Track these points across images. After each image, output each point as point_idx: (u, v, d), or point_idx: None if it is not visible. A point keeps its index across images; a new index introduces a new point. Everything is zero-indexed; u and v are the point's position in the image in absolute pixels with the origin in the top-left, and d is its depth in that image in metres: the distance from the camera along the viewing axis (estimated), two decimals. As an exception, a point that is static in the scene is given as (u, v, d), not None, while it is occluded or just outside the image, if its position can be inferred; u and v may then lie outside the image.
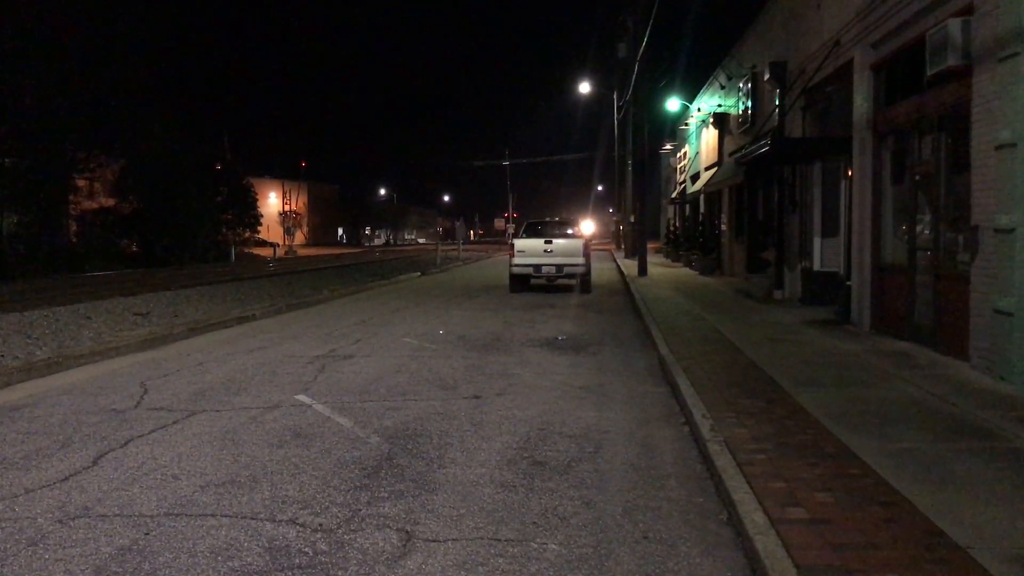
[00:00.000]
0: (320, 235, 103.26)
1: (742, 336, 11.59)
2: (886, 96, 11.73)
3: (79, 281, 28.23)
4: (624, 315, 16.23)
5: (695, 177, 33.88)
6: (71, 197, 40.11)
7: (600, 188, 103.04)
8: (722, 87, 26.11)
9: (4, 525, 4.76)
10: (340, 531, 4.64)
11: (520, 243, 21.18)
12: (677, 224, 41.78)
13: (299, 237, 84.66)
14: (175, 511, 4.97)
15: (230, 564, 4.19)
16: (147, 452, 6.28)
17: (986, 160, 8.25)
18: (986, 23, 8.25)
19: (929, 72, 9.27)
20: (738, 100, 23.17)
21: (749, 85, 21.27)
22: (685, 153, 38.92)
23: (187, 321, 14.27)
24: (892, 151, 11.65)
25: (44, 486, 5.47)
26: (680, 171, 41.60)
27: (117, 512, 4.96)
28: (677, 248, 36.12)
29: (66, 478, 5.64)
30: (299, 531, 4.64)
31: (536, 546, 4.42)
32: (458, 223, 52.76)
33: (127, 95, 38.03)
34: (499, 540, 4.50)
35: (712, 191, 28.03)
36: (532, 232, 22.37)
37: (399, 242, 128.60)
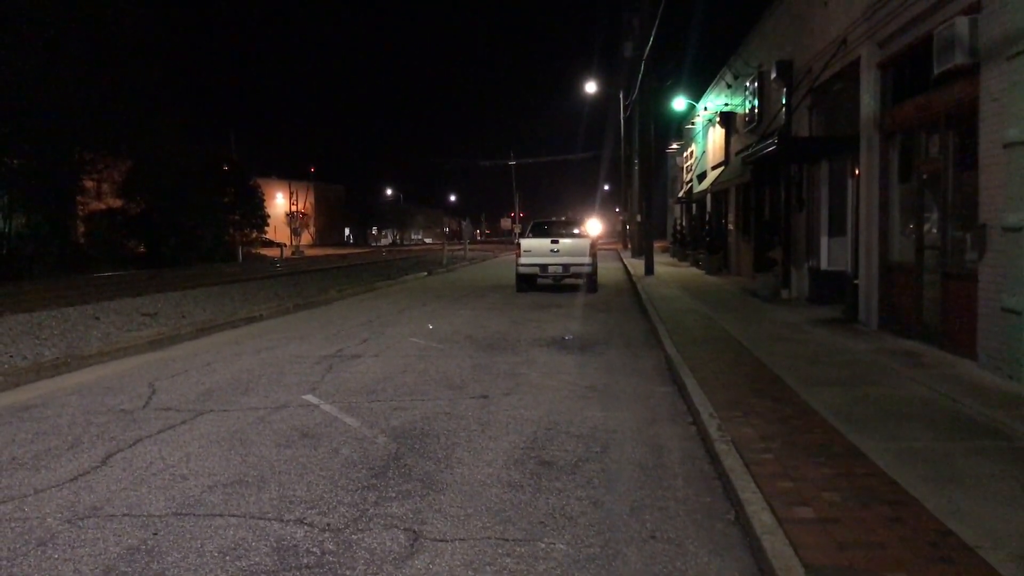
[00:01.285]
0: (327, 235, 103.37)
1: (749, 335, 11.57)
2: (893, 95, 11.70)
3: (87, 282, 28.34)
4: (631, 314, 16.22)
5: (702, 176, 33.83)
6: (79, 198, 40.28)
7: (606, 187, 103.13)
8: (728, 86, 26.07)
9: (14, 525, 4.78)
10: (348, 531, 4.65)
11: (527, 243, 21.20)
12: (684, 223, 41.78)
13: (306, 237, 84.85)
14: (183, 511, 4.99)
15: (238, 564, 4.21)
16: (155, 452, 6.30)
17: (994, 158, 8.23)
18: (994, 21, 8.22)
19: (936, 70, 9.25)
20: (744, 99, 23.13)
21: (756, 84, 21.24)
22: (692, 152, 38.86)
23: (194, 322, 14.31)
24: (899, 150, 11.61)
25: (53, 486, 5.50)
26: (687, 170, 41.56)
27: (126, 512, 4.98)
28: (684, 247, 36.10)
29: (75, 478, 5.67)
30: (307, 531, 4.65)
31: (544, 546, 4.42)
32: (464, 223, 52.76)
33: (134, 96, 38.15)
34: (506, 540, 4.51)
35: (719, 190, 28.01)
36: (538, 232, 22.40)
37: (406, 242, 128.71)
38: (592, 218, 53.83)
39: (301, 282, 25.97)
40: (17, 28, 31.73)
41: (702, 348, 10.55)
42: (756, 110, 21.29)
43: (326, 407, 7.82)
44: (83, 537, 4.59)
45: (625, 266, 32.55)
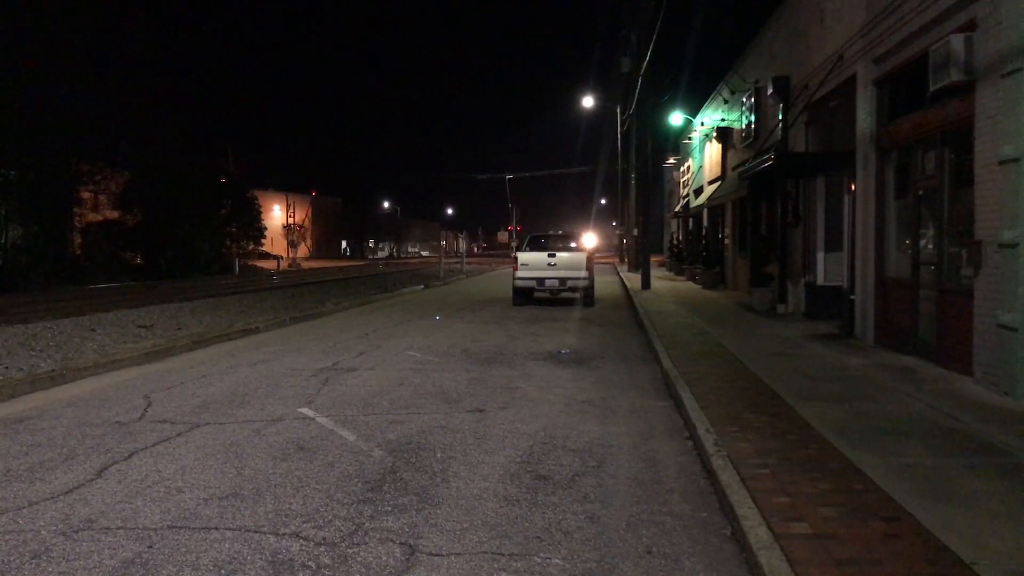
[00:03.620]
0: (323, 248, 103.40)
1: (745, 350, 11.58)
2: (889, 111, 11.76)
3: (83, 293, 28.29)
4: (627, 328, 16.22)
5: (698, 191, 33.93)
6: (76, 209, 40.25)
7: (603, 201, 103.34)
8: (725, 101, 26.19)
9: (8, 538, 4.76)
10: (343, 545, 4.64)
11: (523, 256, 21.22)
12: (680, 238, 41.84)
13: (302, 250, 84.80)
14: (178, 524, 4.97)
15: (233, 577, 4.19)
16: (151, 465, 6.29)
17: (989, 175, 8.27)
18: (989, 39, 8.29)
19: (932, 87, 9.31)
20: (741, 114, 23.23)
21: (752, 100, 21.34)
22: (688, 167, 38.99)
23: (191, 334, 14.29)
24: (895, 166, 11.67)
25: (48, 498, 5.47)
26: (683, 185, 41.68)
27: (120, 525, 4.96)
28: (680, 262, 36.15)
29: (70, 490, 5.65)
30: (302, 545, 4.63)
31: (540, 561, 4.41)
32: (461, 236, 52.94)
33: (132, 107, 38.23)
34: (502, 555, 4.49)
35: (715, 205, 28.07)
36: (535, 246, 22.42)
37: (402, 255, 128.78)
38: (588, 232, 53.95)
39: (297, 294, 25.95)
40: (16, 39, 31.80)
41: (699, 363, 10.55)
42: (753, 125, 21.38)
43: (322, 420, 7.81)
44: (78, 550, 4.57)
45: (622, 280, 32.57)
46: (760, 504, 4.90)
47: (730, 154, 25.91)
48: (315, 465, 6.26)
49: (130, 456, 6.54)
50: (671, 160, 45.72)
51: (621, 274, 37.55)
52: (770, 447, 6.25)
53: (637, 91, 30.03)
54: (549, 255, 20.86)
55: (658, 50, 25.97)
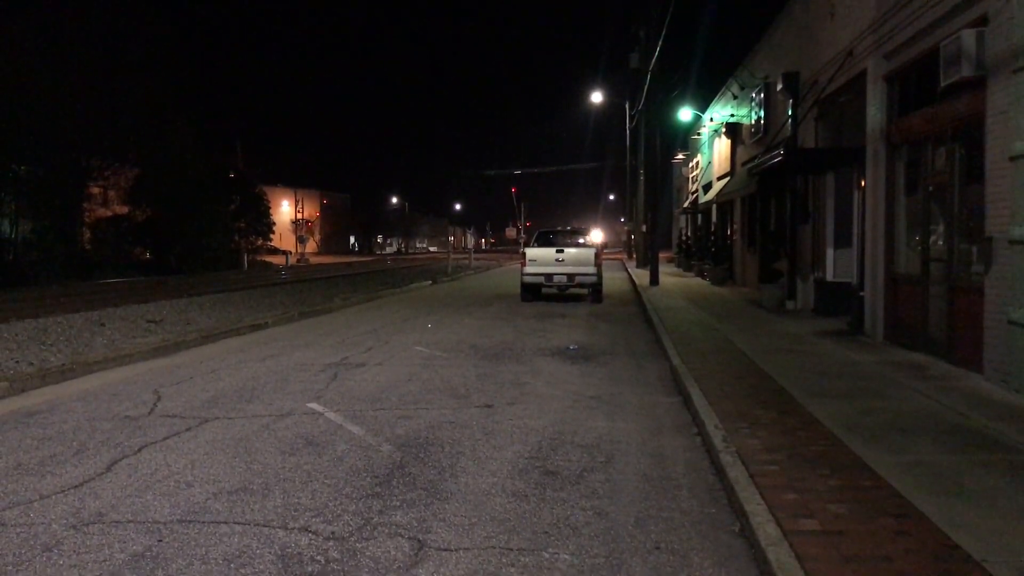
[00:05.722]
0: (332, 243, 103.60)
1: (754, 346, 11.55)
2: (900, 107, 11.70)
3: (92, 288, 28.40)
4: (635, 325, 16.21)
5: (707, 187, 33.84)
6: (85, 205, 40.44)
7: (611, 197, 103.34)
8: (734, 97, 26.11)
9: (19, 531, 4.79)
10: (352, 539, 4.65)
11: (532, 252, 21.19)
12: (689, 234, 41.75)
13: (311, 245, 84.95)
14: (188, 518, 4.99)
15: (242, 571, 4.21)
16: (160, 459, 6.31)
17: (1000, 171, 8.22)
18: (1000, 34, 8.23)
19: (943, 83, 9.25)
20: (751, 110, 23.15)
21: (762, 95, 21.26)
22: (697, 163, 38.89)
23: (200, 329, 14.33)
24: (906, 162, 11.61)
25: (58, 492, 5.50)
26: (692, 181, 41.57)
27: (131, 519, 4.99)
28: (689, 258, 36.08)
29: (80, 484, 5.68)
30: (311, 539, 4.65)
31: (548, 556, 4.42)
32: (469, 232, 53.03)
33: (141, 104, 38.33)
34: (511, 549, 4.50)
35: (724, 201, 28.00)
36: (544, 241, 22.39)
37: (410, 251, 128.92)
38: (596, 228, 53.83)
39: (306, 290, 26.01)
40: (27, 36, 31.92)
41: (707, 359, 10.53)
42: (762, 121, 21.31)
43: (331, 415, 7.83)
44: (88, 543, 4.59)
45: (630, 276, 32.54)
46: (769, 500, 4.89)
47: (739, 150, 25.83)
48: (324, 460, 6.28)
49: (140, 450, 6.57)
50: (680, 156, 45.62)
51: (629, 270, 37.52)
52: (779, 443, 6.24)
53: (646, 87, 29.98)
54: (557, 251, 20.83)
55: (667, 46, 25.95)
